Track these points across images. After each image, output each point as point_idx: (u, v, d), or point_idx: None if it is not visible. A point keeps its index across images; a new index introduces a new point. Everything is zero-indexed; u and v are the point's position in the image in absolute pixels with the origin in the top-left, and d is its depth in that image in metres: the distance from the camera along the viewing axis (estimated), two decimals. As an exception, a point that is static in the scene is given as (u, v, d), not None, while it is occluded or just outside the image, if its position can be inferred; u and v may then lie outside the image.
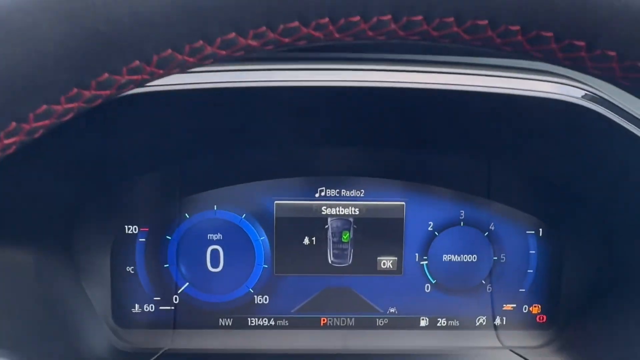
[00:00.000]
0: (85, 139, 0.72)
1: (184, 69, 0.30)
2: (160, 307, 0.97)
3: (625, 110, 0.69)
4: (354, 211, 0.98)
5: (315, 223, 0.98)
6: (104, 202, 0.92)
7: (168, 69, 0.29)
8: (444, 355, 0.91)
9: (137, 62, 0.28)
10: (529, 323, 1.00)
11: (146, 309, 0.96)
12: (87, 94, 0.29)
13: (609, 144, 0.74)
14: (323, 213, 0.98)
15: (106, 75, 0.28)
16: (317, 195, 0.97)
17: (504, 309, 1.00)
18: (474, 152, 0.94)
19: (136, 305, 0.96)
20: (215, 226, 0.97)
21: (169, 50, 0.28)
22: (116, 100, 0.64)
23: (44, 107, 0.29)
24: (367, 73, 0.72)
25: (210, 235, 0.97)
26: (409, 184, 0.97)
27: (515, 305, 1.00)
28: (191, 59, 0.30)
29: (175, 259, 0.97)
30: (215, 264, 0.97)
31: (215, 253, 0.97)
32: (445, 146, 0.93)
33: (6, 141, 0.29)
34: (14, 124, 0.28)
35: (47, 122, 0.30)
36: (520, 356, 0.95)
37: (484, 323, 1.00)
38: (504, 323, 0.99)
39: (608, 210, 0.88)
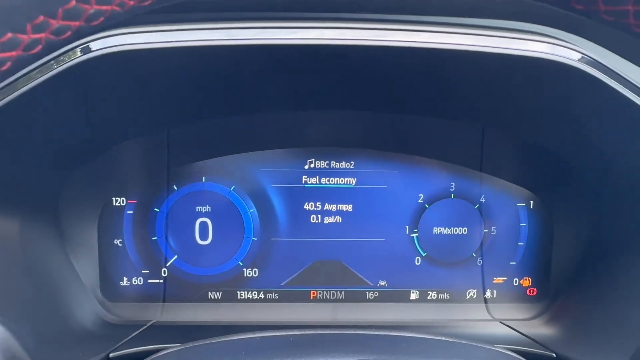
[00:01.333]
0: (69, 104, 0.71)
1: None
2: (149, 280, 0.97)
3: (620, 75, 0.68)
4: (344, 183, 0.96)
5: (305, 195, 0.96)
6: (90, 172, 0.91)
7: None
8: (434, 328, 0.91)
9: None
10: (519, 296, 1.00)
11: (134, 282, 0.96)
12: None
13: (602, 109, 0.73)
14: (312, 185, 0.96)
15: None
16: (306, 167, 0.96)
17: (494, 281, 1.01)
18: (468, 119, 0.94)
19: (124, 278, 0.96)
20: (204, 198, 0.97)
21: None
22: (98, 59, 0.63)
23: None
24: (357, 32, 0.70)
25: (199, 207, 0.97)
26: (399, 156, 0.97)
27: (505, 278, 1.01)
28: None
29: (163, 231, 0.97)
30: (204, 236, 0.97)
31: (204, 225, 0.97)
32: (437, 112, 0.93)
33: None
34: None
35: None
36: (511, 328, 0.95)
37: (474, 296, 1.00)
38: (494, 296, 1.00)
39: (599, 180, 0.89)
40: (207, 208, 0.97)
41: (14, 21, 0.31)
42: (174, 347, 0.69)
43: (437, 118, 0.93)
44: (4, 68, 0.31)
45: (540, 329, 0.96)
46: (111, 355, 0.81)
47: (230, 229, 0.97)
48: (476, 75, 0.76)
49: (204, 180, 0.96)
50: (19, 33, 0.31)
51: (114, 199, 0.94)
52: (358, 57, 0.71)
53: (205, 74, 0.75)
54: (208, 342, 0.69)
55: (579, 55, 0.67)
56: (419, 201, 0.98)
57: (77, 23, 0.33)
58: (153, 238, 0.97)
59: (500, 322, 0.98)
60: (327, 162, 0.97)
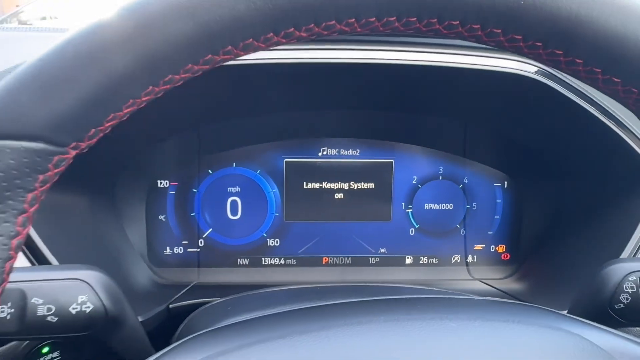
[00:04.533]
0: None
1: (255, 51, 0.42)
2: (188, 250, 1.03)
3: (566, 82, 0.80)
4: (351, 167, 1.03)
5: (319, 177, 1.03)
6: (140, 161, 0.97)
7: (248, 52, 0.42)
8: (425, 286, 0.96)
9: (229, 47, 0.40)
10: (495, 260, 1.08)
11: (176, 251, 1.03)
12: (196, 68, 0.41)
13: (556, 108, 0.83)
14: (325, 169, 1.03)
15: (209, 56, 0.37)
16: (319, 154, 1.03)
17: (474, 248, 1.08)
18: (454, 117, 1.02)
19: (167, 247, 1.03)
20: (234, 180, 1.02)
21: (250, 39, 0.41)
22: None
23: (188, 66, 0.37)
24: (363, 52, 0.80)
25: (230, 188, 1.02)
26: (397, 145, 1.04)
27: (484, 245, 1.08)
28: (263, 45, 0.42)
29: (200, 208, 1.03)
30: (234, 212, 1.03)
31: (234, 203, 1.03)
32: (428, 113, 1.00)
33: (144, 98, 0.41)
34: (150, 87, 0.40)
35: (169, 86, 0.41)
36: (488, 285, 1.04)
37: (458, 260, 1.08)
38: (475, 260, 1.08)
39: (559, 163, 0.97)
40: (237, 189, 1.02)
41: None
42: (217, 300, 0.80)
43: (429, 116, 1.01)
44: None
45: (511, 285, 1.04)
46: (171, 306, 0.89)
47: (256, 206, 1.03)
48: (459, 84, 0.86)
49: (234, 165, 1.02)
50: None
51: (158, 181, 1.00)
52: (365, 71, 0.82)
53: (242, 86, 0.84)
54: (244, 294, 0.78)
55: (535, 69, 0.79)
56: (413, 182, 1.04)
57: None
58: (191, 214, 1.02)
59: (479, 281, 1.06)
60: (337, 150, 1.03)
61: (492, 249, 1.08)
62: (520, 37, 0.38)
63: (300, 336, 0.46)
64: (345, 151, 1.03)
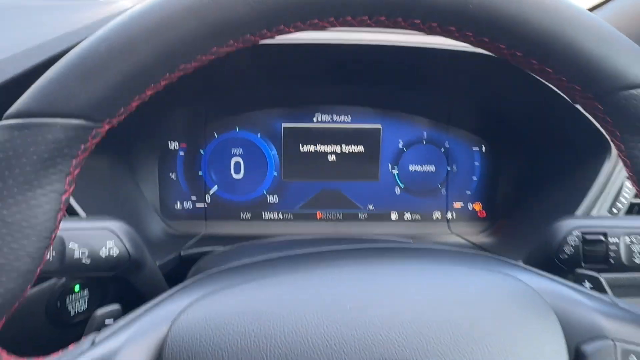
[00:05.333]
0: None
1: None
2: (196, 205, 1.08)
3: None
4: (343, 131, 1.08)
5: (314, 141, 1.07)
6: (152, 128, 1.01)
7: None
8: (409, 238, 0.95)
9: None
10: (472, 217, 1.14)
11: (185, 206, 1.08)
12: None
13: (527, 85, 0.86)
14: (319, 132, 1.08)
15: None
16: (314, 119, 1.07)
17: (454, 206, 1.13)
18: (437, 91, 1.07)
19: (177, 202, 1.08)
20: (237, 143, 1.07)
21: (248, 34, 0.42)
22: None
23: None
24: (356, 34, 0.85)
25: (233, 149, 1.07)
26: (385, 112, 1.08)
27: (462, 203, 1.13)
28: (258, 39, 0.47)
29: (206, 168, 1.07)
30: (237, 171, 1.08)
31: (237, 164, 1.07)
32: (415, 87, 1.06)
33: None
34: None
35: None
36: (465, 239, 1.10)
37: (439, 217, 1.13)
38: (454, 217, 1.13)
39: (531, 132, 1.02)
40: (240, 150, 1.07)
41: None
42: (221, 249, 0.87)
43: (416, 89, 1.06)
44: None
45: (485, 239, 1.09)
46: (182, 253, 0.95)
47: (257, 167, 1.07)
48: (442, 63, 0.90)
49: (237, 130, 1.07)
50: None
51: (169, 143, 1.06)
52: (360, 52, 0.86)
53: (245, 63, 0.88)
54: (249, 243, 0.84)
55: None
56: (399, 146, 1.09)
57: None
58: (199, 173, 1.07)
59: (457, 235, 1.11)
60: (330, 116, 1.07)
61: (470, 207, 1.14)
62: (470, 33, 0.43)
63: (290, 275, 0.54)
64: (338, 117, 1.07)
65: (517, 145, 1.08)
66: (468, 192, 1.14)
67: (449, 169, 1.13)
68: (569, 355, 0.51)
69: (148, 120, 1.00)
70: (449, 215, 1.15)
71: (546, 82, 0.54)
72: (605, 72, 0.44)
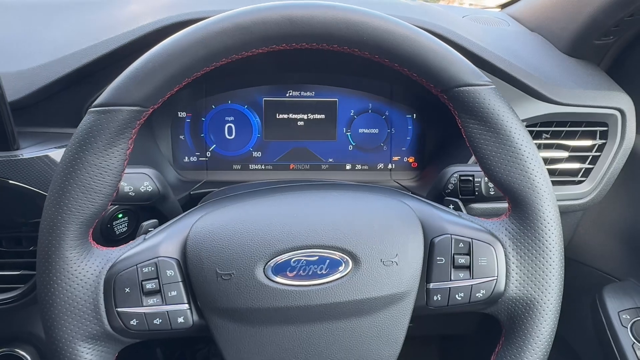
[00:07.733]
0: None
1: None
2: (200, 159, 1.23)
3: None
4: (309, 104, 1.21)
5: (287, 110, 1.21)
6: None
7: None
8: (360, 183, 0.92)
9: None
10: (407, 167, 1.28)
11: (191, 159, 1.23)
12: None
13: None
14: (291, 103, 1.21)
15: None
16: (287, 95, 1.21)
17: (393, 159, 1.27)
18: (382, 79, 1.21)
19: (186, 157, 1.23)
20: (230, 112, 1.20)
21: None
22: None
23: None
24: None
25: (227, 117, 1.21)
26: (341, 89, 1.22)
27: (399, 157, 1.27)
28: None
29: (207, 131, 1.21)
30: (230, 134, 1.23)
31: (230, 128, 1.22)
32: (364, 75, 1.19)
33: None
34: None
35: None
36: (400, 184, 1.24)
37: (382, 168, 1.27)
38: (394, 167, 1.27)
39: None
40: (232, 118, 1.21)
41: None
42: (222, 188, 1.05)
43: (367, 75, 1.19)
44: None
45: (415, 183, 1.26)
46: (191, 193, 1.14)
47: (245, 130, 1.22)
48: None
49: (229, 103, 1.20)
50: None
51: (178, 112, 1.19)
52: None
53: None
54: (237, 185, 1.01)
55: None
56: (351, 114, 1.23)
57: None
58: (201, 135, 1.21)
59: (395, 181, 1.26)
60: (299, 92, 1.21)
61: (405, 160, 1.27)
62: (357, 49, 0.62)
63: (264, 200, 0.73)
64: (305, 93, 1.22)
65: (438, 115, 1.20)
66: (404, 149, 1.27)
67: (389, 131, 1.25)
68: (424, 246, 0.71)
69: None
70: (390, 166, 1.27)
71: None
72: (444, 75, 0.65)
